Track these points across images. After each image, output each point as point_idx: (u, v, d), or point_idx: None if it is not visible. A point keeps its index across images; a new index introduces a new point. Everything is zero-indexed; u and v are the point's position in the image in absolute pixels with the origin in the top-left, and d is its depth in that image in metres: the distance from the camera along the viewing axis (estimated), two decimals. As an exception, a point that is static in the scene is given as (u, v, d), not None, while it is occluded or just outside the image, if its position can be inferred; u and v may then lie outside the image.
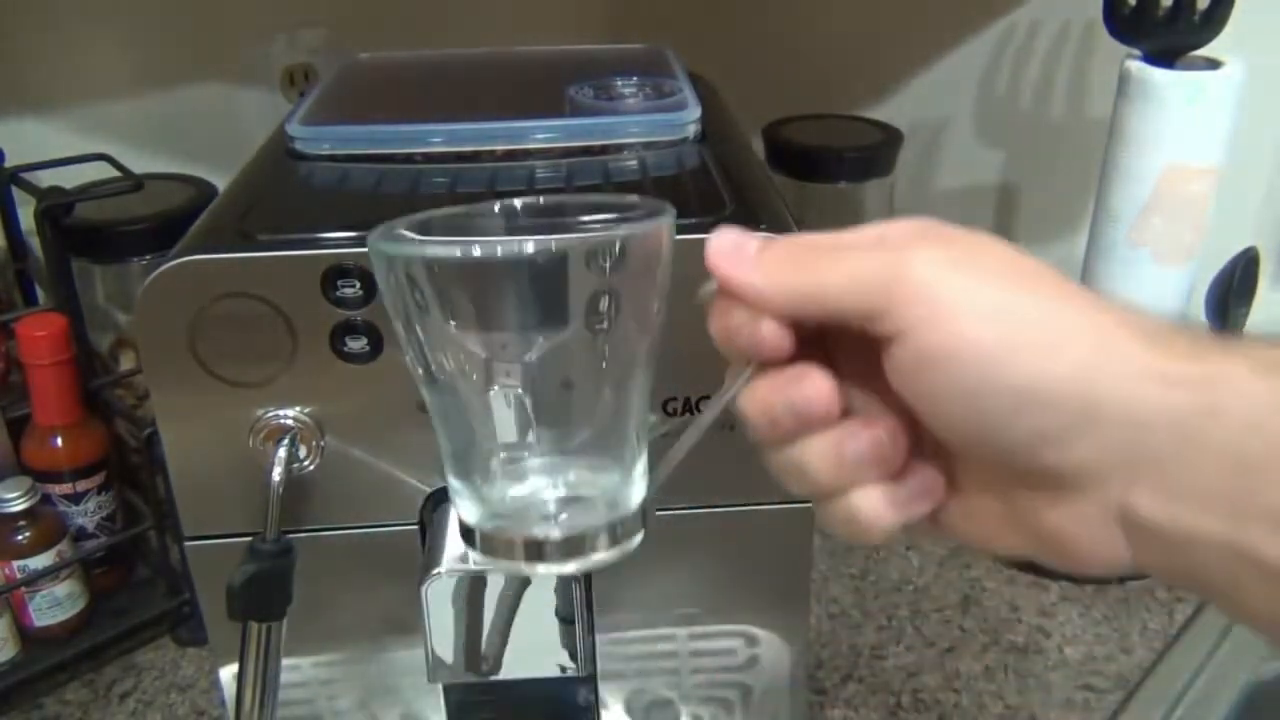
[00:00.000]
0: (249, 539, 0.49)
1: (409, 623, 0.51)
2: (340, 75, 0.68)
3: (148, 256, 0.75)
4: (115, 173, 0.75)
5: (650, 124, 0.56)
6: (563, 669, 0.52)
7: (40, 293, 0.78)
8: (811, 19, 1.07)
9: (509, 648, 0.51)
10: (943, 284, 0.29)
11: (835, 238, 0.31)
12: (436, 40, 0.78)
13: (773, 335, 0.31)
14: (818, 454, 0.32)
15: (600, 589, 0.54)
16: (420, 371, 0.34)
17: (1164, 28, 0.74)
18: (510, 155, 0.55)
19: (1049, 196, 1.05)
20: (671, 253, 0.34)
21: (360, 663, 0.57)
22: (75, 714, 0.70)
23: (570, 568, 0.35)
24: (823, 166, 0.92)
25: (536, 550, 0.34)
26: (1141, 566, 0.30)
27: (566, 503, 0.35)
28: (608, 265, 0.32)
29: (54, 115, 0.84)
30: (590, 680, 0.58)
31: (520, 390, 0.33)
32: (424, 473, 0.51)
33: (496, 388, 0.33)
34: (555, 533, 0.34)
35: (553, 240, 0.31)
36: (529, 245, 0.31)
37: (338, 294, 0.46)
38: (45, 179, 0.72)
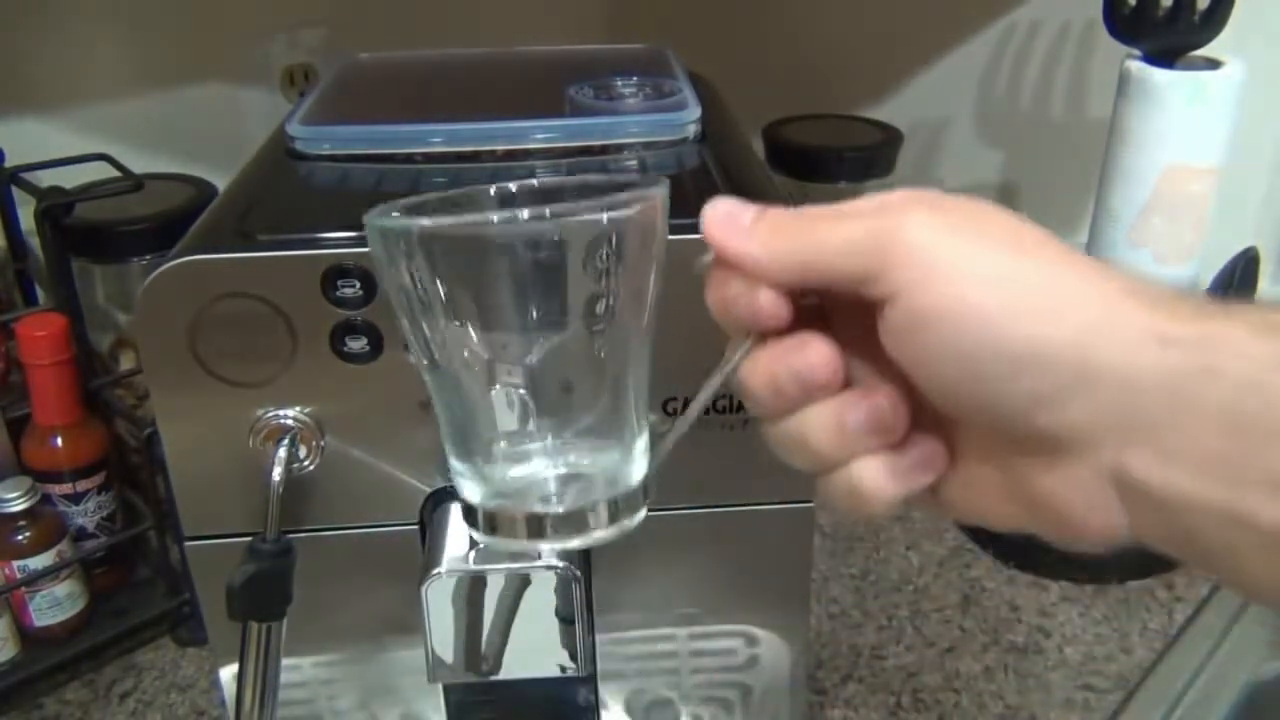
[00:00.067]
0: (249, 539, 0.49)
1: (409, 623, 0.51)
2: (340, 75, 0.68)
3: (148, 256, 0.75)
4: (115, 173, 0.75)
5: (650, 124, 0.56)
6: (563, 669, 0.52)
7: (40, 293, 0.78)
8: (811, 19, 1.07)
9: (509, 648, 0.51)
10: (938, 247, 0.29)
11: (833, 207, 0.31)
12: (436, 40, 0.78)
13: (770, 304, 0.31)
14: (819, 424, 0.32)
15: (600, 589, 0.54)
16: (420, 353, 0.34)
17: (1164, 28, 0.74)
18: (510, 155, 0.55)
19: (1049, 196, 1.05)
20: (667, 226, 0.34)
21: (360, 663, 0.57)
22: (75, 714, 0.70)
23: (573, 543, 0.35)
24: (823, 166, 0.92)
25: (538, 526, 0.34)
26: (1139, 535, 0.30)
27: (568, 480, 0.35)
28: (604, 239, 0.32)
29: (54, 115, 0.84)
30: (590, 680, 0.58)
31: (519, 366, 0.33)
32: (424, 473, 0.51)
33: (496, 367, 0.33)
34: (557, 508, 0.34)
35: (547, 209, 0.31)
36: (523, 213, 0.31)
37: (338, 294, 0.46)
38: (45, 179, 0.72)
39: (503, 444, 0.35)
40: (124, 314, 0.79)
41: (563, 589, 0.50)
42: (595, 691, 0.58)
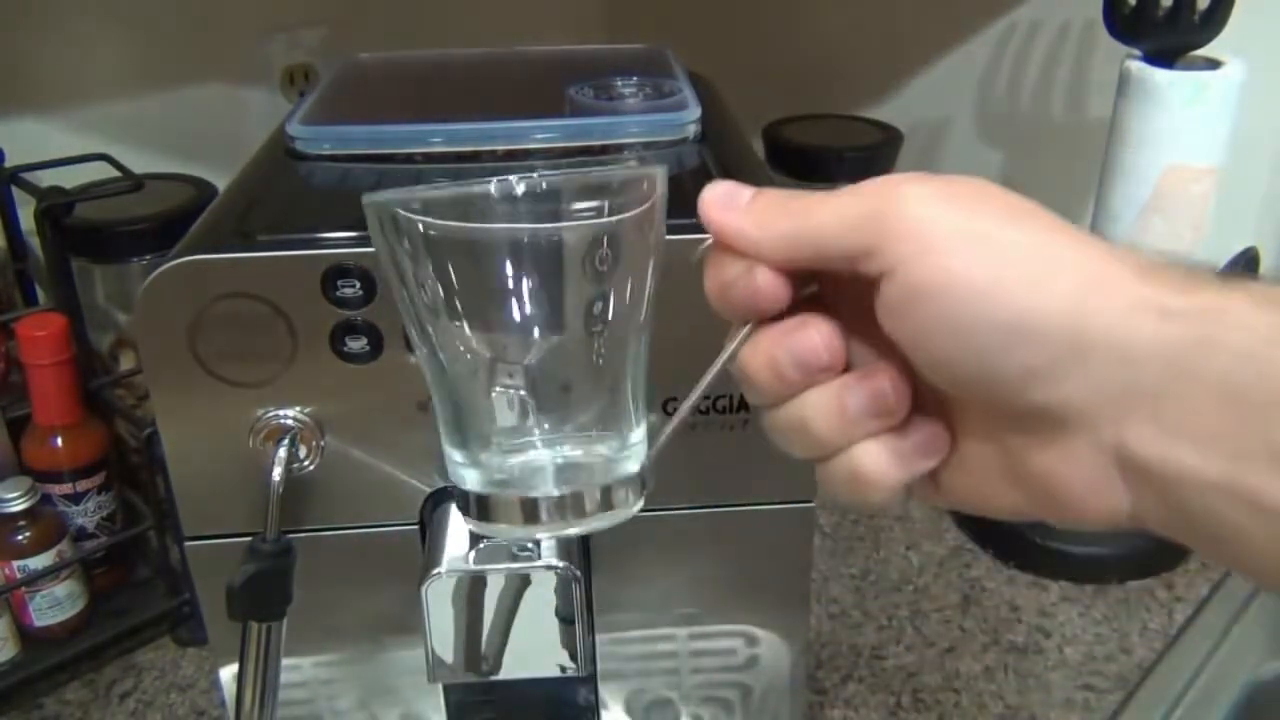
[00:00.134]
0: (249, 539, 0.49)
1: (409, 623, 0.51)
2: (340, 75, 0.68)
3: (148, 256, 0.75)
4: (115, 173, 0.75)
5: (650, 124, 0.56)
6: (563, 669, 0.52)
7: (40, 293, 0.78)
8: (812, 19, 1.07)
9: (509, 648, 0.51)
10: (934, 220, 0.29)
11: (829, 191, 0.31)
12: (437, 40, 0.78)
13: (769, 284, 0.31)
14: (819, 408, 0.32)
15: (600, 589, 0.54)
16: (416, 337, 0.34)
17: (1164, 28, 0.74)
18: (510, 155, 0.55)
19: (1049, 196, 1.05)
20: (665, 209, 0.34)
21: (360, 663, 0.57)
22: (75, 714, 0.70)
23: (569, 530, 0.35)
24: (823, 166, 0.92)
25: (533, 511, 0.34)
26: (1139, 516, 0.29)
27: (565, 467, 0.35)
28: (603, 235, 0.32)
29: (54, 115, 0.84)
30: (590, 680, 0.58)
31: (517, 354, 0.33)
32: (424, 473, 0.51)
33: (495, 363, 0.33)
34: (553, 493, 0.34)
35: (543, 179, 0.31)
36: (519, 186, 0.31)
37: (338, 294, 0.46)
38: (45, 179, 0.73)
39: (499, 428, 0.35)
40: (124, 314, 0.79)
41: (563, 589, 0.50)
42: (595, 691, 0.58)
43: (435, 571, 0.49)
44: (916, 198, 0.29)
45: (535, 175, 0.31)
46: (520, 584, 0.50)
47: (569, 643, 0.51)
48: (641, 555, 0.54)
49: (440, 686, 0.58)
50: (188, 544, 0.52)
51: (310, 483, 0.50)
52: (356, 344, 0.47)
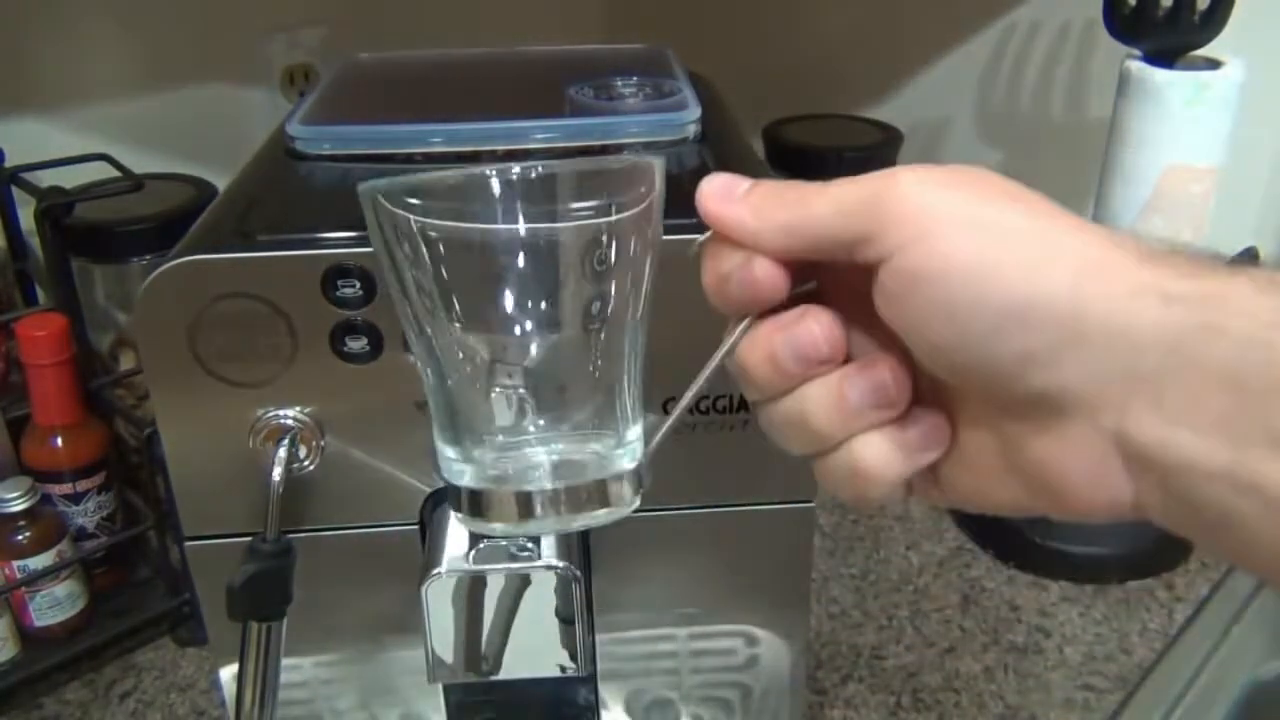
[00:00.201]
0: (249, 539, 0.49)
1: (409, 623, 0.51)
2: (340, 75, 0.68)
3: (148, 256, 0.75)
4: (115, 173, 0.75)
5: (650, 124, 0.56)
6: (563, 669, 0.52)
7: (40, 293, 0.78)
8: (812, 19, 1.07)
9: (509, 648, 0.51)
10: (931, 205, 0.29)
11: (827, 183, 0.31)
12: (436, 40, 0.78)
13: (767, 275, 0.31)
14: (818, 400, 0.31)
15: (600, 589, 0.54)
16: (413, 334, 0.34)
17: (1164, 28, 0.74)
18: (510, 155, 0.55)
19: (1049, 196, 1.05)
20: (663, 205, 0.33)
21: (360, 663, 0.57)
22: (75, 714, 0.70)
23: (564, 526, 0.35)
24: (823, 166, 0.92)
25: (528, 505, 0.34)
26: (1141, 506, 0.29)
27: (560, 464, 0.35)
28: (602, 232, 0.32)
29: (54, 115, 0.84)
30: (590, 680, 0.58)
31: (513, 352, 0.33)
32: (424, 473, 0.51)
33: (488, 352, 0.33)
34: (548, 487, 0.34)
35: (540, 165, 0.31)
36: (515, 170, 0.31)
37: (338, 294, 0.46)
38: (45, 179, 0.73)
39: (492, 423, 0.35)
40: (124, 314, 0.79)
41: (563, 589, 0.50)
42: (595, 691, 0.58)
43: (435, 571, 0.49)
44: (914, 184, 0.29)
45: (532, 163, 0.31)
46: (520, 584, 0.50)
47: (569, 643, 0.51)
48: (641, 555, 0.54)
49: (440, 686, 0.58)
50: (188, 544, 0.52)
51: (310, 483, 0.50)
52: (356, 344, 0.47)
